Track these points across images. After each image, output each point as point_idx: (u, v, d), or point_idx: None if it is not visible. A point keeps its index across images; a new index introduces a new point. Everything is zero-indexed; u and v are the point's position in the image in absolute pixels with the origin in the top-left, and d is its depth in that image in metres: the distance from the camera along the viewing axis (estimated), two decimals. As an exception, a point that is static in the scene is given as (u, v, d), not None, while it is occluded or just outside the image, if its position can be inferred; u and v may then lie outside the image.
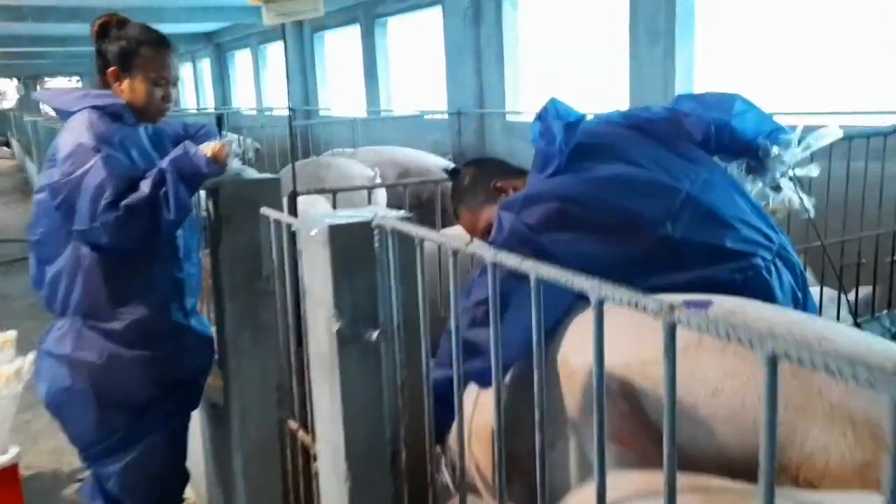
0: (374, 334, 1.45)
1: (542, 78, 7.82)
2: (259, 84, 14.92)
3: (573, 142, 1.75)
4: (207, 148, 2.12)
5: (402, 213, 1.49)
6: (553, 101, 1.84)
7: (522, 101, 7.95)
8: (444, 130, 8.50)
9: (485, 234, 2.02)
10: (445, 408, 1.38)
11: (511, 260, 1.02)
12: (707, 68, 5.97)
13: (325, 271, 1.46)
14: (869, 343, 1.35)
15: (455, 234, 3.42)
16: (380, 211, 1.54)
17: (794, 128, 1.91)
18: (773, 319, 1.41)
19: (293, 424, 2.15)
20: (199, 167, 2.08)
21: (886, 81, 4.60)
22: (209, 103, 18.26)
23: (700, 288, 1.55)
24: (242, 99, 16.38)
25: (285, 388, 2.19)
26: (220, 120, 2.35)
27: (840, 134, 1.90)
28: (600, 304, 0.89)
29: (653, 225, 1.63)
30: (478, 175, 2.05)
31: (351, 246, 1.44)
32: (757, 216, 1.76)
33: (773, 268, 1.67)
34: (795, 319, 1.44)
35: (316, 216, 1.52)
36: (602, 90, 6.59)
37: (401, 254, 1.43)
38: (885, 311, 3.39)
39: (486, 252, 1.06)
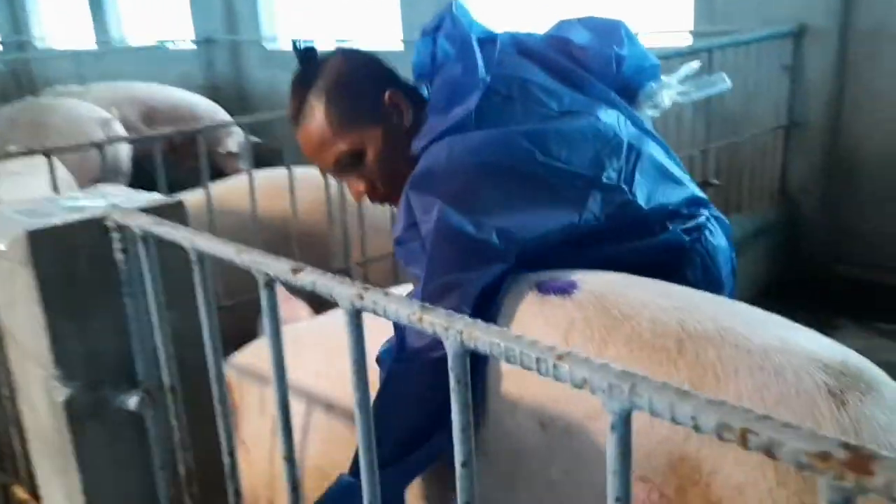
0: (133, 400, 0.90)
1: (299, -1, 7.06)
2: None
3: (492, 70, 1.31)
4: None
5: (157, 197, 0.92)
6: (459, 7, 1.37)
7: (281, 27, 7.15)
8: (192, 62, 7.47)
9: (339, 165, 1.38)
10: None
11: (403, 308, 0.52)
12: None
13: (31, 307, 0.87)
14: (783, 339, 1.03)
15: (234, 188, 2.62)
16: (118, 191, 0.96)
17: (676, 69, 1.57)
18: (660, 305, 1.09)
19: (21, 493, 1.51)
20: None
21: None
22: None
23: (658, 255, 1.29)
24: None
25: (5, 443, 1.54)
26: None
27: (729, 85, 1.59)
28: (626, 418, 0.43)
29: (603, 186, 1.28)
30: (356, 73, 1.38)
31: (73, 263, 0.85)
32: (681, 167, 1.42)
33: (710, 227, 1.36)
34: (687, 304, 1.11)
35: (5, 213, 0.90)
36: (370, 11, 6.04)
37: (164, 266, 0.88)
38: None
39: (342, 291, 0.55)
